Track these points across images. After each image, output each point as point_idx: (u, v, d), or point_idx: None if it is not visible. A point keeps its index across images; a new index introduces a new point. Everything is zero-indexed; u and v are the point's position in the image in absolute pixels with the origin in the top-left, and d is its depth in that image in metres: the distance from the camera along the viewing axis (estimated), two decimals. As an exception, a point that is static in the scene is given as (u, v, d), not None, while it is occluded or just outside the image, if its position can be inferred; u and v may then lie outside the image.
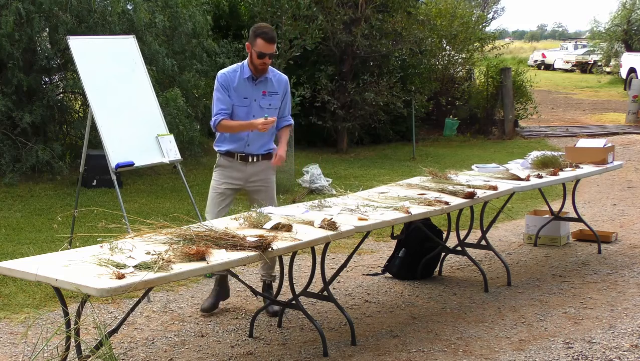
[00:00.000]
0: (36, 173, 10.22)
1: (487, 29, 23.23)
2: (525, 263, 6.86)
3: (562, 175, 6.68)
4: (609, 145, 7.38)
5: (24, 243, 7.12)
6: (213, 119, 5.19)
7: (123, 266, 3.63)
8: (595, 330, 5.06)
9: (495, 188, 5.90)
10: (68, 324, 3.74)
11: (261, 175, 5.35)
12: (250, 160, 5.29)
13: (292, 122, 5.53)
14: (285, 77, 5.38)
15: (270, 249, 4.01)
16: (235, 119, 5.17)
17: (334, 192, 5.58)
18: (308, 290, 5.12)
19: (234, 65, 5.27)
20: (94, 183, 9.83)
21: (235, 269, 5.17)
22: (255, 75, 5.16)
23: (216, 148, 5.38)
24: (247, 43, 5.14)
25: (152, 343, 4.84)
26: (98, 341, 3.78)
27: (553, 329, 5.09)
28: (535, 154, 7.05)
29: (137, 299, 4.33)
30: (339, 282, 6.14)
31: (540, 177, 6.48)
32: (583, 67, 35.35)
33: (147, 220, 4.14)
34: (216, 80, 5.20)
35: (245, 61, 5.20)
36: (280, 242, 4.14)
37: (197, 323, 5.21)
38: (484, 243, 6.27)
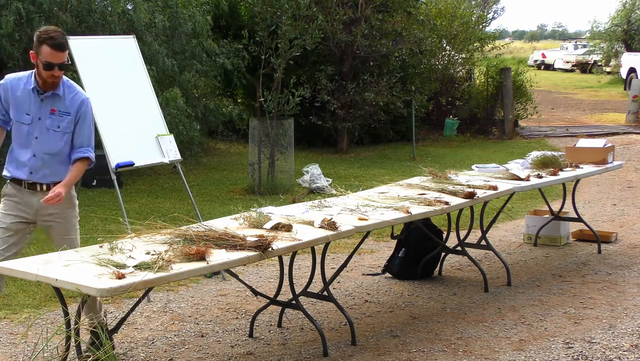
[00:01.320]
0: (36, 173, 10.22)
1: (487, 29, 23.24)
2: (525, 263, 6.86)
3: (562, 175, 6.68)
4: (609, 145, 7.38)
5: (24, 243, 7.10)
6: None
7: (123, 266, 3.63)
8: (595, 330, 5.06)
9: (495, 188, 5.90)
10: (68, 324, 3.74)
11: (55, 208, 4.31)
12: (39, 188, 4.31)
13: (92, 156, 4.42)
14: (84, 97, 4.38)
15: (270, 249, 4.02)
16: (15, 138, 4.30)
17: (334, 192, 5.58)
18: (308, 290, 5.12)
19: (26, 72, 4.34)
20: (94, 183, 9.83)
21: (235, 269, 5.16)
22: (42, 89, 4.26)
23: (3, 174, 4.39)
24: (31, 52, 4.21)
25: (152, 343, 4.84)
26: (98, 341, 3.78)
27: (553, 329, 5.09)
28: (535, 154, 7.05)
29: (137, 299, 4.33)
30: (339, 282, 6.14)
31: (540, 177, 6.48)
32: (583, 67, 35.34)
33: (147, 221, 4.14)
34: None
35: (35, 70, 4.26)
36: (280, 242, 4.14)
37: (197, 323, 5.21)
38: (484, 243, 6.27)
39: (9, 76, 4.33)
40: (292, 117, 10.45)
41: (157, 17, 10.89)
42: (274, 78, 10.25)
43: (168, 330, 5.08)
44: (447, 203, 5.34)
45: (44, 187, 4.31)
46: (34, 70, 4.27)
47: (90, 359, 3.34)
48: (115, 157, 5.99)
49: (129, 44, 6.55)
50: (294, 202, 8.44)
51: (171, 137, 6.47)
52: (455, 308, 5.56)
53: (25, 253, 4.48)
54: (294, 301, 4.87)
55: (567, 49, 39.98)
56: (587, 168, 6.98)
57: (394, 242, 6.53)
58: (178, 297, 5.76)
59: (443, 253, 6.41)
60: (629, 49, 26.94)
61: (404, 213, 5.01)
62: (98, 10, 10.39)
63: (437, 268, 6.45)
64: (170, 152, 6.37)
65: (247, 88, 14.67)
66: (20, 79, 4.30)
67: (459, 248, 6.21)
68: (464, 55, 17.37)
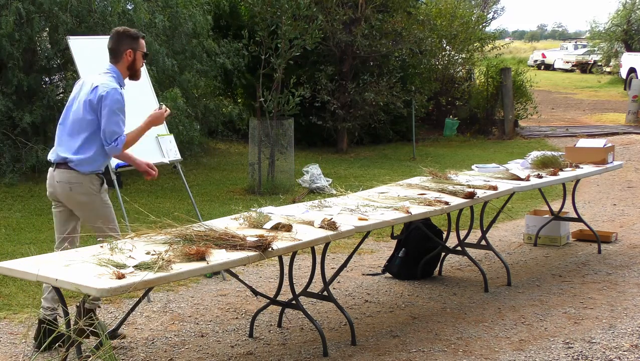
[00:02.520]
0: (36, 173, 10.22)
1: (487, 29, 23.23)
2: (525, 263, 6.86)
3: (562, 175, 6.68)
4: (609, 145, 7.38)
5: (24, 243, 7.12)
6: (117, 141, 4.55)
7: (123, 266, 3.63)
8: (595, 330, 5.06)
9: (495, 188, 5.90)
10: (68, 324, 3.74)
11: None
12: None
13: None
14: None
15: (270, 249, 4.01)
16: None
17: (334, 192, 5.58)
18: (308, 290, 5.12)
19: (111, 79, 4.61)
20: (94, 183, 9.81)
21: (235, 269, 5.17)
22: (128, 81, 4.79)
23: (92, 171, 4.63)
24: (128, 50, 4.65)
25: (152, 343, 4.84)
26: (98, 341, 3.78)
27: (553, 329, 5.09)
28: (535, 154, 7.05)
29: (137, 299, 4.33)
30: (339, 282, 6.14)
31: (540, 177, 6.48)
32: (583, 67, 35.35)
33: (149, 219, 4.14)
34: (118, 99, 4.52)
35: (114, 72, 4.66)
36: (280, 242, 4.14)
37: (197, 323, 5.21)
38: (484, 243, 6.27)
39: (117, 90, 4.55)
40: (292, 117, 10.44)
41: (157, 17, 10.89)
42: (274, 78, 10.25)
43: (168, 330, 5.08)
44: (447, 203, 5.34)
45: None
46: (112, 74, 4.64)
47: (90, 359, 3.34)
48: (115, 157, 5.98)
49: (129, 44, 6.54)
50: (294, 202, 8.44)
51: (171, 137, 6.48)
52: (455, 308, 5.56)
53: (25, 253, 4.48)
54: (294, 301, 4.87)
55: (567, 49, 40.00)
56: (587, 168, 6.98)
57: (394, 242, 6.53)
58: (178, 297, 5.76)
59: (443, 253, 6.41)
60: (629, 49, 26.95)
61: (404, 213, 5.01)
62: (98, 10, 10.39)
63: (437, 268, 6.45)
64: (170, 152, 6.37)
65: (247, 88, 14.67)
66: (117, 84, 4.62)
67: (459, 248, 6.21)
68: (464, 55, 17.36)
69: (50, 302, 4.62)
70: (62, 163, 4.57)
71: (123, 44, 4.67)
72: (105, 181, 4.76)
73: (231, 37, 13.51)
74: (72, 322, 3.72)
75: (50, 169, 4.65)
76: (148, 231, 4.10)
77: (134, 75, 4.78)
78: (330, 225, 4.49)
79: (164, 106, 4.86)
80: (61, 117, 4.68)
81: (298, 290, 5.03)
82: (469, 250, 6.27)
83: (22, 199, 9.27)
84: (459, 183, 5.93)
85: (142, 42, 4.77)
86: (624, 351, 4.68)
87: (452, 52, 17.10)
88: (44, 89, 10.87)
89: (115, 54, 4.69)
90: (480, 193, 5.69)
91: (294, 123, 10.59)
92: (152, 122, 4.88)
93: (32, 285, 5.69)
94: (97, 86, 4.53)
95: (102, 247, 3.95)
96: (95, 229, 4.59)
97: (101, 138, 4.54)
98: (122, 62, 4.68)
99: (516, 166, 6.95)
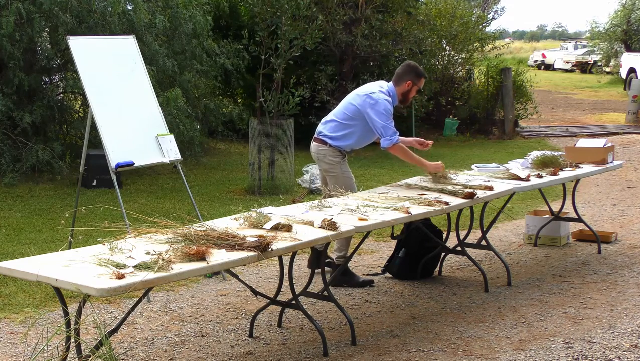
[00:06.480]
0: (36, 173, 10.23)
1: (487, 29, 23.26)
2: (525, 263, 6.86)
3: (562, 175, 6.68)
4: (609, 145, 7.37)
5: (24, 243, 7.12)
6: (393, 138, 5.95)
7: (123, 266, 3.63)
8: (595, 330, 5.06)
9: (493, 188, 5.90)
10: (68, 324, 3.74)
11: None
12: None
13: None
14: None
15: (269, 249, 4.01)
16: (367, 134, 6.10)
17: (334, 192, 5.58)
18: (308, 290, 5.12)
19: (385, 95, 5.84)
20: (94, 183, 9.83)
21: (235, 269, 5.17)
22: (398, 105, 5.95)
23: (340, 146, 6.19)
24: (408, 82, 5.84)
25: (152, 343, 4.84)
26: (98, 341, 3.78)
27: (553, 329, 5.09)
28: (535, 154, 7.04)
29: (137, 299, 4.33)
30: (339, 282, 6.14)
31: (540, 177, 6.48)
32: (583, 67, 35.36)
33: (150, 218, 4.14)
34: (387, 102, 5.82)
35: (392, 91, 5.88)
36: (280, 242, 4.14)
37: (197, 323, 5.21)
38: (484, 243, 6.27)
39: (387, 98, 5.86)
40: (292, 117, 10.45)
41: (157, 17, 10.89)
42: (274, 78, 10.25)
43: (168, 330, 5.09)
44: (447, 203, 5.34)
45: None
46: (388, 92, 5.88)
47: (90, 359, 3.34)
48: (115, 157, 5.99)
49: (129, 44, 6.55)
50: (294, 202, 8.44)
51: (171, 137, 6.48)
52: (455, 308, 5.56)
53: (25, 253, 4.49)
54: (294, 301, 4.87)
55: (567, 49, 40.04)
56: (587, 168, 6.98)
57: (394, 242, 6.53)
58: (178, 297, 5.77)
59: (443, 253, 6.41)
60: (629, 49, 26.96)
61: (404, 213, 5.01)
62: (98, 11, 10.39)
63: (437, 268, 6.45)
64: (170, 152, 6.37)
65: (247, 88, 14.67)
66: (389, 98, 5.87)
67: (459, 248, 6.21)
68: (464, 55, 17.36)
69: (338, 251, 5.99)
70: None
71: (408, 75, 5.86)
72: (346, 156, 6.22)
73: (231, 37, 13.51)
74: (72, 322, 3.72)
75: None
76: (148, 230, 4.10)
77: (404, 101, 6.01)
78: (330, 225, 4.49)
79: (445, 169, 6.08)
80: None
81: (298, 290, 5.03)
82: (469, 250, 6.27)
83: (22, 199, 9.27)
84: (459, 183, 5.93)
85: (423, 81, 5.96)
86: (624, 351, 4.68)
87: (452, 52, 17.10)
88: (44, 89, 10.88)
89: (398, 79, 5.89)
90: (480, 193, 5.69)
91: (294, 123, 10.59)
92: (426, 166, 6.11)
93: (32, 285, 5.69)
94: (369, 94, 5.87)
95: (104, 245, 3.93)
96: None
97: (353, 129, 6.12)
98: (400, 87, 5.89)
99: (516, 166, 6.95)
